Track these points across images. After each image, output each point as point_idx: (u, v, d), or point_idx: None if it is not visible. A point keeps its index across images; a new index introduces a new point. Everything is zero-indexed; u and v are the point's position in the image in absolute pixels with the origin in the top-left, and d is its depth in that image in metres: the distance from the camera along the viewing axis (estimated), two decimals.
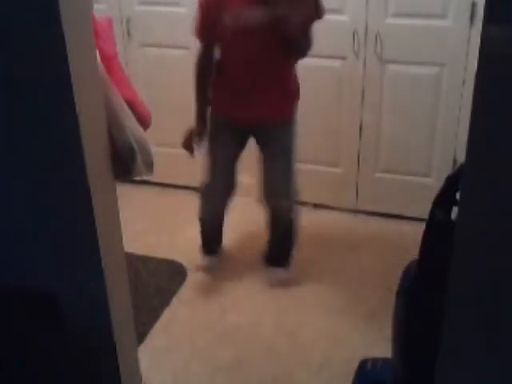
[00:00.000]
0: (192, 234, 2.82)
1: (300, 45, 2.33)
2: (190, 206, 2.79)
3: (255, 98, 2.36)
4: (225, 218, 2.73)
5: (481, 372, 1.13)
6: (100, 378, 1.72)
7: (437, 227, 1.39)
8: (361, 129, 3.06)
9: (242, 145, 2.55)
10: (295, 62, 2.43)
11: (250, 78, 2.35)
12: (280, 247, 2.72)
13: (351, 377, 2.00)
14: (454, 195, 1.32)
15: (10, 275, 1.60)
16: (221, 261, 2.85)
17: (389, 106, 2.98)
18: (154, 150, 1.77)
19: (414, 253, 1.50)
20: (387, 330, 1.64)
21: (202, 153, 2.52)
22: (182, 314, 2.51)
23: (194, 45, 2.42)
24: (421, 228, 1.44)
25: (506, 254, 1.02)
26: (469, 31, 2.69)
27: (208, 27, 2.32)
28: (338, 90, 3.02)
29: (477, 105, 0.94)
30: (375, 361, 1.98)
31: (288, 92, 2.45)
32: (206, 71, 2.42)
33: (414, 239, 1.55)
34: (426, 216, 1.42)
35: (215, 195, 2.62)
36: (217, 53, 2.40)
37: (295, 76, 2.47)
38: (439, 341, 1.13)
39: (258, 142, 2.52)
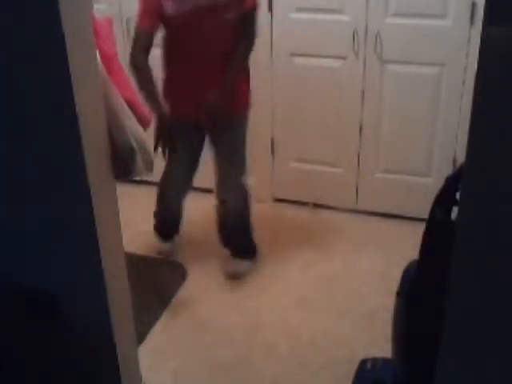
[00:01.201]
0: (192, 234, 2.83)
1: (245, 34, 2.39)
2: (190, 205, 2.80)
3: (202, 95, 2.36)
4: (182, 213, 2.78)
5: (481, 372, 1.13)
6: (100, 377, 1.72)
7: (437, 227, 1.39)
8: (361, 129, 3.06)
9: (199, 143, 2.60)
10: (244, 59, 2.46)
11: (197, 74, 2.38)
12: (235, 240, 2.77)
13: (351, 377, 2.00)
14: (454, 195, 1.32)
15: (10, 275, 1.60)
16: (175, 247, 2.90)
17: (389, 106, 2.98)
18: None
19: (414, 253, 1.50)
20: (387, 330, 1.64)
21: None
22: (181, 314, 2.51)
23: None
24: (421, 228, 1.44)
25: (506, 253, 1.02)
26: (469, 31, 2.69)
27: (152, 14, 2.33)
28: (338, 90, 3.01)
29: (477, 105, 0.94)
30: (375, 361, 1.99)
31: (237, 90, 2.47)
32: (147, 67, 2.32)
33: (414, 239, 1.55)
34: (425, 216, 1.42)
35: (172, 191, 2.69)
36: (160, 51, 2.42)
37: (247, 75, 2.51)
38: (439, 341, 1.13)
39: (210, 139, 2.58)
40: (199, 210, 3.12)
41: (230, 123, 2.51)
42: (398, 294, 1.57)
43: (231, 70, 2.39)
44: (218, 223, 2.71)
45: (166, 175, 2.64)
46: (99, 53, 1.52)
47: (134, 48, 2.34)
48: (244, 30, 2.39)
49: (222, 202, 2.63)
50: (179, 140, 2.36)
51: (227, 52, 2.39)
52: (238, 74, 2.44)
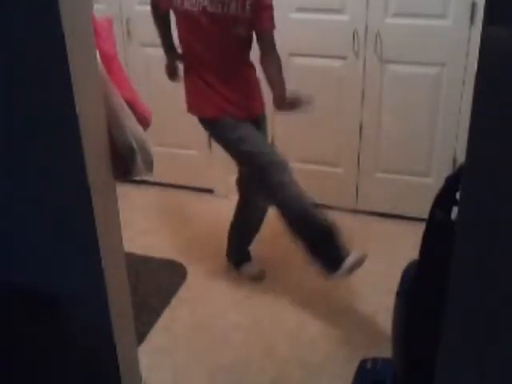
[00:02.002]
0: (192, 233, 2.83)
1: (268, 54, 2.42)
2: (190, 205, 2.79)
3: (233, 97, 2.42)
4: None
5: (481, 372, 1.13)
6: (100, 377, 1.72)
7: (437, 227, 1.39)
8: (361, 129, 3.07)
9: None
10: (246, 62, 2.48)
11: (210, 74, 2.39)
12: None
13: (351, 377, 2.00)
14: (454, 195, 1.32)
15: (10, 275, 1.60)
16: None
17: (389, 106, 2.98)
18: (154, 150, 1.77)
19: (414, 253, 1.50)
20: (387, 330, 1.64)
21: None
22: (181, 313, 2.51)
23: None
24: (421, 228, 1.44)
25: (506, 253, 1.02)
26: (469, 31, 2.69)
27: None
28: (338, 89, 3.02)
29: (477, 105, 0.94)
30: (375, 361, 1.98)
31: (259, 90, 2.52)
32: (165, 14, 2.43)
33: (414, 239, 1.55)
34: (425, 216, 1.42)
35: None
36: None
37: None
38: (439, 341, 1.13)
39: None
40: (199, 210, 3.12)
41: (263, 119, 2.58)
42: (398, 293, 1.57)
43: (276, 84, 2.44)
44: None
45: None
46: (99, 53, 1.52)
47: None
48: (264, 49, 2.40)
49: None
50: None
51: (238, 61, 2.41)
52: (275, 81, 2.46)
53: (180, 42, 2.43)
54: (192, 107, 2.48)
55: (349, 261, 2.36)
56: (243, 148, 2.39)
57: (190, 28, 2.33)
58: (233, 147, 2.44)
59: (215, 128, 2.46)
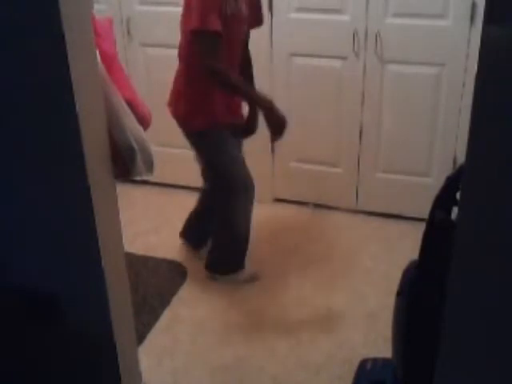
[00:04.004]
0: None
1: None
2: (190, 206, 2.79)
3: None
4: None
5: (481, 372, 1.13)
6: (100, 377, 1.72)
7: (437, 227, 1.39)
8: (361, 129, 3.06)
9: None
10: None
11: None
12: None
13: (351, 377, 2.00)
14: (454, 195, 1.32)
15: (10, 275, 1.60)
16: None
17: (389, 106, 2.98)
18: (154, 149, 1.77)
19: (414, 253, 1.50)
20: (387, 330, 1.64)
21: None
22: (182, 313, 2.51)
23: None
24: (421, 228, 1.44)
25: (506, 254, 1.01)
26: (469, 31, 2.69)
27: (219, 14, 2.13)
28: (338, 90, 3.02)
29: (477, 105, 0.94)
30: (375, 361, 1.98)
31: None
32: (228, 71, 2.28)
33: (414, 239, 1.55)
34: (425, 216, 1.42)
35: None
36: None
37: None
38: (439, 341, 1.13)
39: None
40: None
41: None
42: (398, 293, 1.57)
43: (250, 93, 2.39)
44: None
45: (245, 178, 2.48)
46: (99, 53, 1.52)
47: (209, 54, 2.15)
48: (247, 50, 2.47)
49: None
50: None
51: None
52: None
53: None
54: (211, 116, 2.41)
55: (245, 272, 2.65)
56: (229, 168, 2.44)
57: (231, 35, 2.26)
58: (217, 164, 2.47)
59: (210, 137, 2.43)
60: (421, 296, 1.45)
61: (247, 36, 2.46)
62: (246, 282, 2.67)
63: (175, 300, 2.59)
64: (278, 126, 2.27)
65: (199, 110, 2.36)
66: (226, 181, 2.45)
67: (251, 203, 2.53)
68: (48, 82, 1.35)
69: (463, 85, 2.79)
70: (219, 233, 2.64)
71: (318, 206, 3.28)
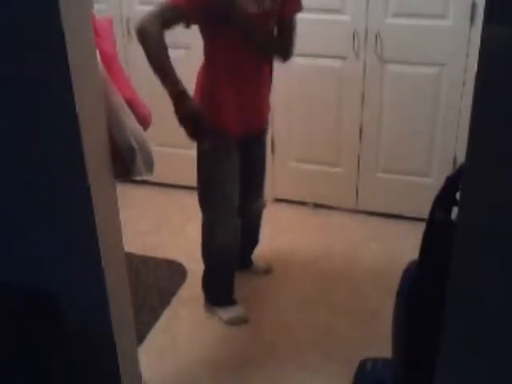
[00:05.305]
0: (192, 233, 2.82)
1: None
2: (190, 206, 2.79)
3: (259, 106, 2.30)
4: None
5: (480, 372, 1.13)
6: (100, 377, 1.72)
7: (437, 227, 1.39)
8: (361, 129, 3.06)
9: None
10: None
11: (253, 84, 2.24)
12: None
13: (351, 377, 2.00)
14: (454, 195, 1.32)
15: (11, 275, 1.60)
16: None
17: (389, 106, 2.98)
18: (154, 149, 1.77)
19: (414, 253, 1.50)
20: (387, 330, 1.64)
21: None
22: (182, 313, 2.51)
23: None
24: (421, 228, 1.44)
25: (506, 254, 1.01)
26: (469, 31, 2.69)
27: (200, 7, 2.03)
28: (338, 90, 3.01)
29: (477, 105, 0.94)
30: (375, 361, 1.98)
31: (267, 105, 2.39)
32: (163, 41, 2.10)
33: (414, 239, 1.55)
34: (425, 216, 1.42)
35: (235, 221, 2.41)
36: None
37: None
38: (439, 341, 1.13)
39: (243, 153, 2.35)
40: (199, 210, 3.11)
41: (263, 137, 2.45)
42: (398, 293, 1.57)
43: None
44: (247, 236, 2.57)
45: (226, 204, 2.35)
46: (99, 53, 1.52)
47: (155, 17, 2.08)
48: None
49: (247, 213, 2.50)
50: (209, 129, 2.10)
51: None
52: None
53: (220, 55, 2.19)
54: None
55: (232, 310, 2.48)
56: (221, 190, 2.34)
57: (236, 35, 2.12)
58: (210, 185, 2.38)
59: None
60: (421, 296, 1.45)
61: (285, 23, 2.21)
62: (230, 323, 2.44)
63: (175, 300, 2.59)
64: (182, 120, 2.06)
65: (206, 103, 2.21)
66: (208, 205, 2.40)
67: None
68: (48, 81, 1.35)
69: (463, 85, 2.79)
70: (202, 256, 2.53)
71: (318, 205, 3.28)
